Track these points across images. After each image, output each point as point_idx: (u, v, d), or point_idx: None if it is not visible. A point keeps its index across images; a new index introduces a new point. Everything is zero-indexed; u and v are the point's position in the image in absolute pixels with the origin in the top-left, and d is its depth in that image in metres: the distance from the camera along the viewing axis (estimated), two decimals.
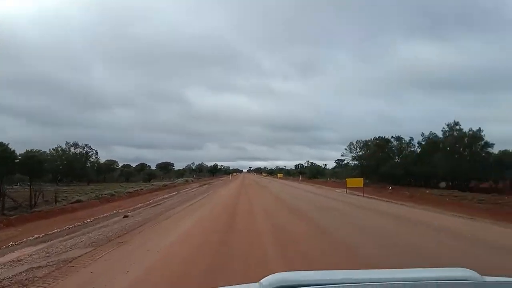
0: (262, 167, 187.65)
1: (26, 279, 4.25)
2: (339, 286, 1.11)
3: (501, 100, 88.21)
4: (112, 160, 76.79)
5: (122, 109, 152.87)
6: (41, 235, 8.98)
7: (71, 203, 17.34)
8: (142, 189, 29.67)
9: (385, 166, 32.83)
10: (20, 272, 4.62)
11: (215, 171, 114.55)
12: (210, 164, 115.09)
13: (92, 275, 4.42)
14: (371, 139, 52.90)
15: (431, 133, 31.20)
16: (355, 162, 54.14)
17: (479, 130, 27.64)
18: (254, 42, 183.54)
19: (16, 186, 35.80)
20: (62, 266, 4.82)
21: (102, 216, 12.62)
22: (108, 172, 65.24)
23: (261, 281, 1.13)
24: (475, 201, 17.82)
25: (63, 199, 19.66)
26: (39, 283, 4.13)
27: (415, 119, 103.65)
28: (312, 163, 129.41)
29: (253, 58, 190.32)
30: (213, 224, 8.97)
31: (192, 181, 56.77)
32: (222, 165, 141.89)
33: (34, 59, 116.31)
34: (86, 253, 5.68)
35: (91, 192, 25.61)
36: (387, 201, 17.91)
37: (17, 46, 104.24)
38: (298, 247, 6.04)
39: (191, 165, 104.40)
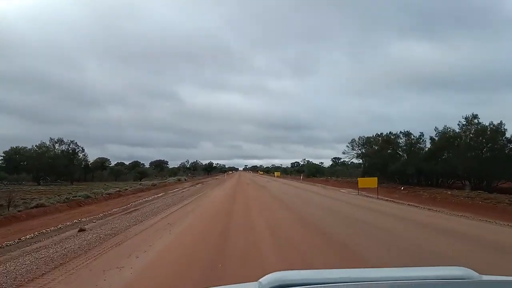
0: (258, 166, 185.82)
1: None
2: (338, 285, 1.11)
3: (494, 99, 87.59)
4: (104, 158, 73.76)
5: (116, 107, 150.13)
6: None
7: (31, 208, 14.23)
8: (126, 189, 26.57)
9: (394, 164, 30.00)
10: None
11: (210, 170, 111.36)
12: (205, 162, 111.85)
13: None
14: (373, 135, 50.61)
15: (445, 128, 28.41)
16: (358, 160, 51.91)
17: (501, 123, 24.90)
18: (247, 40, 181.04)
19: None
20: None
21: (54, 228, 9.58)
22: (97, 170, 62.00)
23: (260, 280, 1.12)
24: None
25: (25, 202, 16.52)
26: None
27: (408, 118, 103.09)
28: (309, 161, 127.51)
29: (246, 56, 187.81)
30: (198, 247, 6.02)
31: (185, 180, 53.66)
32: (217, 164, 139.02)
33: (25, 56, 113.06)
34: None
35: (68, 193, 22.52)
36: (412, 205, 15.08)
37: (8, 42, 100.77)
38: None
39: (186, 163, 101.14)
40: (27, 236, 8.30)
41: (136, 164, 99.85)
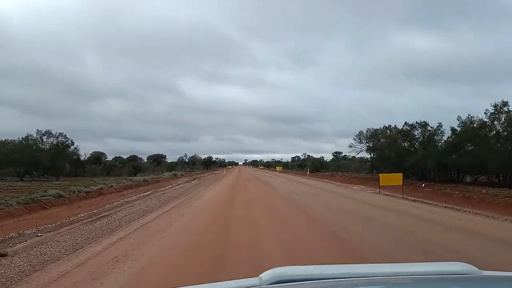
0: (258, 160, 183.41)
1: None
2: (338, 280, 1.11)
3: (497, 91, 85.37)
4: (99, 152, 70.79)
5: (116, 100, 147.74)
6: None
7: None
8: (112, 186, 23.60)
9: (410, 157, 27.00)
10: None
11: (209, 164, 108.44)
12: (204, 156, 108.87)
13: None
14: (381, 128, 47.57)
15: (469, 117, 25.33)
16: (365, 154, 48.86)
17: None
18: (247, 32, 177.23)
19: None
20: None
21: None
22: (91, 165, 58.96)
23: (261, 275, 1.12)
24: None
25: None
26: None
27: (410, 110, 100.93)
28: (309, 155, 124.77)
29: (247, 48, 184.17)
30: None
31: (182, 175, 50.70)
32: (217, 158, 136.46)
33: (24, 48, 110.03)
34: None
35: (44, 191, 19.59)
36: (450, 208, 12.17)
37: (7, 34, 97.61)
38: None
39: (184, 157, 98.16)
40: None
41: (133, 159, 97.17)
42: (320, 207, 11.30)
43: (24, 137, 41.89)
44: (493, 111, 23.56)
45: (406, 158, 27.04)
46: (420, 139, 30.06)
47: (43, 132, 43.49)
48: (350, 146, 47.87)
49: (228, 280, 1.13)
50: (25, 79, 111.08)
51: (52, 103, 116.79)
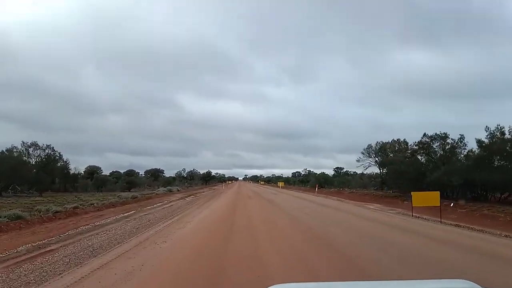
0: (258, 175, 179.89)
1: None
2: None
3: (495, 108, 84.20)
4: (94, 166, 67.83)
5: (115, 114, 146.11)
6: None
7: None
8: (93, 204, 20.57)
9: (432, 173, 23.98)
10: None
11: (208, 179, 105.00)
12: (203, 171, 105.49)
13: None
14: (390, 141, 44.74)
15: (498, 127, 22.46)
16: (373, 168, 45.77)
17: None
18: (246, 47, 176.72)
19: None
20: None
21: None
22: (83, 179, 55.76)
23: None
24: None
25: None
26: None
27: (408, 127, 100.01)
28: (310, 171, 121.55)
29: (245, 64, 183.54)
30: None
31: (178, 190, 47.52)
32: (217, 173, 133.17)
33: (22, 62, 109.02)
34: None
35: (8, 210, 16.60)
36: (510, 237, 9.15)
37: (5, 48, 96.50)
38: None
39: (182, 172, 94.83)
40: None
41: (130, 173, 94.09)
42: (354, 239, 8.24)
43: (7, 148, 39.09)
44: None
45: (427, 174, 24.00)
46: (439, 153, 27.17)
47: (29, 144, 40.71)
48: (357, 161, 44.94)
49: None
50: (24, 93, 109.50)
51: (51, 117, 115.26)
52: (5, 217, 12.88)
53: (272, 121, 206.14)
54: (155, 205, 19.46)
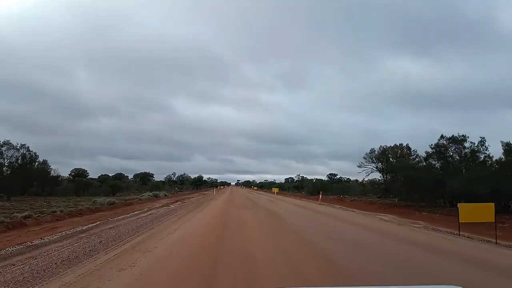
0: (251, 181, 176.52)
1: None
2: None
3: (485, 117, 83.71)
4: (80, 169, 63.86)
5: (107, 118, 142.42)
6: None
7: None
8: (56, 211, 17.08)
9: (451, 180, 21.01)
10: None
11: (199, 184, 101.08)
12: (194, 176, 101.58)
13: None
14: (397, 145, 41.91)
15: None
16: (373, 174, 42.80)
17: None
18: (239, 53, 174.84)
19: None
20: None
21: None
22: (67, 183, 51.68)
23: None
24: None
25: None
26: None
27: (400, 135, 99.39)
28: (303, 177, 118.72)
29: (239, 69, 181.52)
30: None
31: (165, 195, 43.92)
32: (209, 178, 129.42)
33: (14, 64, 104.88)
34: None
35: None
36: None
37: None
38: None
39: (172, 176, 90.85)
40: None
41: (118, 177, 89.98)
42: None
43: None
44: None
45: (447, 181, 21.02)
46: (455, 158, 24.28)
47: (1, 143, 36.80)
48: (359, 166, 41.97)
49: None
50: (15, 94, 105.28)
51: (42, 120, 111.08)
52: None
53: (265, 126, 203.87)
54: (129, 214, 16.05)
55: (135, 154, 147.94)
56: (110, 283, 4.72)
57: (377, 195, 38.97)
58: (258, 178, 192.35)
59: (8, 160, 37.91)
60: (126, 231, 9.97)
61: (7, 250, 7.75)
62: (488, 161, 22.73)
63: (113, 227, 11.22)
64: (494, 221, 9.91)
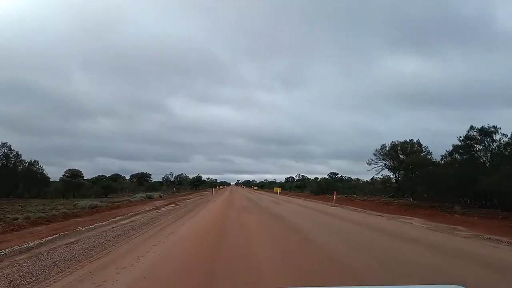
0: (251, 180, 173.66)
1: None
2: None
3: (485, 115, 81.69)
4: (74, 169, 61.00)
5: (105, 119, 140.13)
6: None
7: None
8: (17, 218, 14.19)
9: (485, 177, 18.12)
10: None
11: (198, 184, 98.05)
12: (193, 175, 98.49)
13: None
14: (407, 140, 39.02)
15: None
16: (377, 171, 39.83)
17: None
18: (237, 52, 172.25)
19: None
20: None
21: None
22: (52, 184, 48.70)
23: None
24: None
25: None
26: None
27: (398, 133, 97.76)
28: (304, 176, 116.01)
29: (236, 69, 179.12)
30: None
31: (160, 196, 40.97)
32: (208, 178, 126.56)
33: (11, 65, 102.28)
34: None
35: None
36: None
37: None
38: None
39: (170, 176, 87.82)
40: None
41: (114, 177, 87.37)
42: None
43: None
44: None
45: (480, 178, 18.13)
46: (485, 152, 21.36)
47: None
48: (368, 163, 39.00)
49: None
50: (12, 96, 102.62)
51: (41, 121, 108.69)
52: None
53: (264, 126, 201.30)
54: (106, 222, 13.14)
55: (134, 154, 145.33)
56: None
57: (389, 195, 36.13)
58: (258, 178, 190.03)
59: None
60: (81, 250, 7.07)
61: None
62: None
63: (72, 242, 8.31)
64: None
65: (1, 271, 5.53)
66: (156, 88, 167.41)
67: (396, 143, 38.18)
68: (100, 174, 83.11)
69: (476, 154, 21.12)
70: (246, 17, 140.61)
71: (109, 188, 47.03)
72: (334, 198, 24.07)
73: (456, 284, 1.22)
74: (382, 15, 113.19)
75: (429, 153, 35.22)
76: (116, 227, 11.34)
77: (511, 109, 76.49)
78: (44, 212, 17.90)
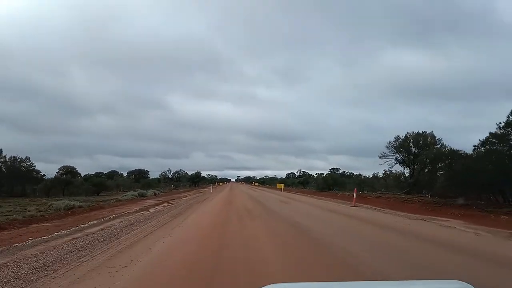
0: (251, 176, 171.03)
1: None
2: None
3: (487, 109, 79.55)
4: (69, 166, 58.01)
5: (104, 116, 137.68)
6: None
7: None
8: None
9: None
10: None
11: (197, 180, 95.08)
12: (192, 172, 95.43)
13: None
14: (419, 132, 35.99)
15: None
16: (399, 165, 36.78)
17: None
18: (236, 48, 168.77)
19: None
20: None
21: None
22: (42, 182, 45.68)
23: None
24: None
25: None
26: None
27: (401, 128, 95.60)
28: (305, 172, 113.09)
29: (236, 64, 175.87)
30: None
31: (155, 194, 38.02)
32: (209, 174, 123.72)
33: (10, 63, 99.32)
34: None
35: None
36: None
37: None
38: None
39: (167, 172, 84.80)
40: None
41: (111, 175, 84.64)
42: None
43: None
44: None
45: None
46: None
47: None
48: (380, 157, 35.95)
49: None
50: (12, 94, 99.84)
51: (41, 118, 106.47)
52: None
53: (264, 122, 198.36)
54: (71, 229, 10.13)
55: (133, 151, 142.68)
56: None
57: (403, 191, 33.17)
58: (258, 174, 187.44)
59: None
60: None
61: None
62: None
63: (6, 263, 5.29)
64: None
65: None
66: (155, 85, 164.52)
67: (408, 135, 35.18)
68: (98, 171, 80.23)
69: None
70: (246, 12, 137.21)
71: (101, 185, 44.03)
72: (355, 197, 20.98)
73: (458, 280, 1.13)
74: (382, 9, 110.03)
75: (443, 145, 32.35)
76: (73, 240, 8.31)
77: None
78: (8, 215, 14.91)
